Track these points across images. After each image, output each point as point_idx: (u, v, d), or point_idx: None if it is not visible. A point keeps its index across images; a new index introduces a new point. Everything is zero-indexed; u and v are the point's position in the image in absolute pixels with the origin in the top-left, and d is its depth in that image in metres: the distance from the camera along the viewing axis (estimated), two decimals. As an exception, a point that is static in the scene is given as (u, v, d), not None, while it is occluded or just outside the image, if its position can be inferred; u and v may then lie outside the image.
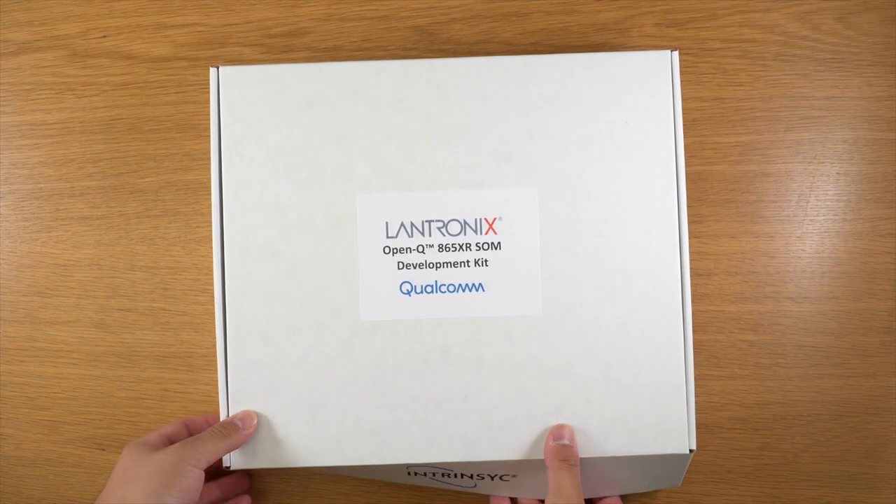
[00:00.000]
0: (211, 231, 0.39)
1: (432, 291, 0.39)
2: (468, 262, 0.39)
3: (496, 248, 0.39)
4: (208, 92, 0.42)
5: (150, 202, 0.47)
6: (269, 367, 0.39)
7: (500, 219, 0.39)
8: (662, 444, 0.38)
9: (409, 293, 0.39)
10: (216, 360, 0.41)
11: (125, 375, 0.46)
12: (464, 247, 0.39)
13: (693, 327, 0.41)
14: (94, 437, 0.46)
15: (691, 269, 0.42)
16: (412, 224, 0.39)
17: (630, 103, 0.39)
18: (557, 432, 0.38)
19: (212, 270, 0.39)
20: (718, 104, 0.46)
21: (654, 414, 0.38)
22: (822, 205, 0.46)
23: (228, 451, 0.38)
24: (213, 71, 0.40)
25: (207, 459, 0.37)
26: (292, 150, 0.39)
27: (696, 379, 0.45)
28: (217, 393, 0.41)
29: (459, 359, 0.39)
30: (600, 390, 0.39)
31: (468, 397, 0.39)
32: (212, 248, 0.39)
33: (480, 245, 0.39)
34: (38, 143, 0.47)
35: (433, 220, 0.39)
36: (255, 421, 0.38)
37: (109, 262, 0.46)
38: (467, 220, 0.39)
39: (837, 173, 0.46)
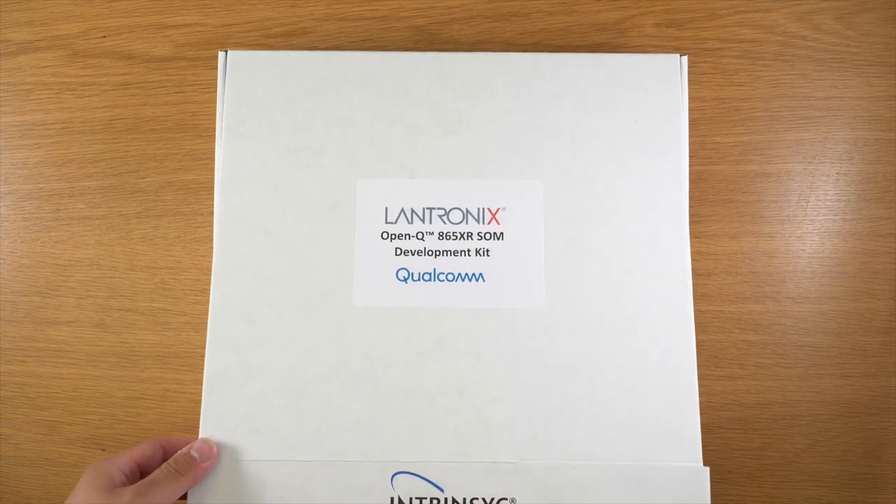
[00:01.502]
0: (212, 231, 0.39)
1: (430, 280, 0.38)
2: (469, 251, 0.38)
3: (498, 239, 0.38)
4: (208, 92, 0.43)
5: (150, 202, 0.47)
6: (251, 349, 0.37)
7: (504, 209, 0.38)
8: (673, 454, 0.36)
9: (405, 280, 0.38)
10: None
11: (125, 375, 0.46)
12: (465, 235, 0.38)
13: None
14: (94, 437, 0.46)
15: (691, 269, 0.42)
16: (412, 210, 0.39)
17: (638, 103, 0.39)
18: None
19: (212, 271, 0.39)
20: (718, 104, 0.46)
21: (664, 420, 0.36)
22: (822, 205, 0.45)
23: (187, 490, 0.35)
24: (221, 55, 0.40)
25: None
26: (294, 132, 0.39)
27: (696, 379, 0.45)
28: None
29: (455, 350, 0.37)
30: (606, 391, 0.37)
31: (463, 391, 0.37)
32: (213, 248, 0.39)
33: (482, 235, 0.38)
34: (38, 143, 0.47)
35: (434, 208, 0.39)
36: (215, 450, 0.36)
37: (109, 262, 0.46)
38: (469, 209, 0.39)
39: (837, 173, 0.46)
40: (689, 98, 0.45)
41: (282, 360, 0.37)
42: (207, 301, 0.46)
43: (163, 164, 0.47)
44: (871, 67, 0.45)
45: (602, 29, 0.46)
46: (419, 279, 0.38)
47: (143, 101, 0.47)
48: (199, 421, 0.46)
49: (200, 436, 0.37)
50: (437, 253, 0.38)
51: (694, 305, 0.44)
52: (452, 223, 0.38)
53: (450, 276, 0.38)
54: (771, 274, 0.45)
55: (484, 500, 0.36)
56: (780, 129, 0.46)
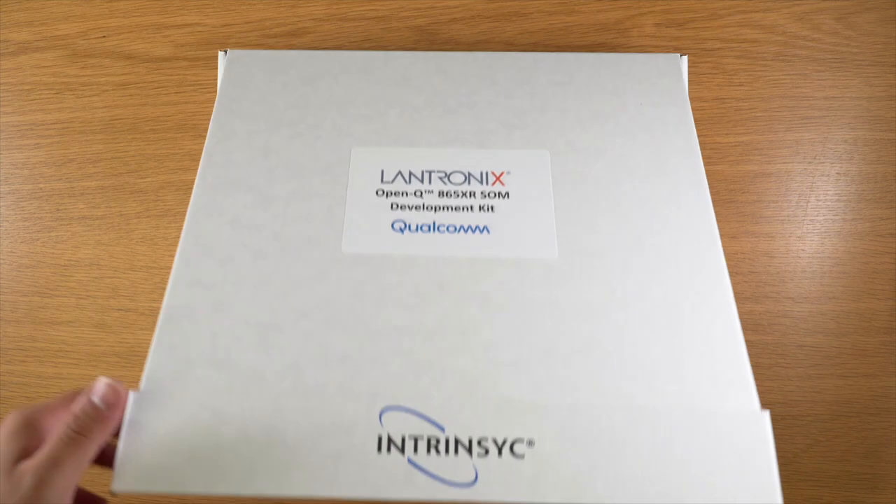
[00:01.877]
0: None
1: (430, 231, 0.34)
2: (472, 207, 0.35)
3: (504, 197, 0.35)
4: (208, 92, 0.43)
5: (150, 202, 0.47)
6: (221, 287, 0.32)
7: (509, 173, 0.36)
8: (723, 396, 0.30)
9: (401, 230, 0.34)
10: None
11: (125, 375, 0.46)
12: (467, 194, 0.35)
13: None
14: (94, 437, 0.46)
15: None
16: (410, 172, 0.36)
17: (642, 91, 0.39)
18: None
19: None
20: (718, 104, 0.46)
21: (706, 360, 0.31)
22: (822, 205, 0.45)
23: (100, 446, 0.28)
24: (221, 55, 0.40)
25: (70, 487, 0.26)
26: (290, 109, 0.38)
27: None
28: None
29: (459, 294, 0.32)
30: (637, 333, 0.31)
31: (467, 332, 0.31)
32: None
33: (486, 194, 0.35)
34: (38, 143, 0.47)
35: (434, 171, 0.36)
36: (123, 393, 0.28)
37: (109, 262, 0.46)
38: (472, 173, 0.36)
39: (837, 173, 0.46)
40: (689, 98, 0.45)
41: (256, 298, 0.32)
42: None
43: (163, 164, 0.47)
44: (871, 67, 0.45)
45: (602, 29, 0.46)
46: (417, 230, 0.34)
47: (143, 101, 0.47)
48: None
49: (147, 369, 0.30)
50: (438, 208, 0.35)
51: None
52: (454, 184, 0.36)
53: (451, 228, 0.34)
54: (771, 274, 0.45)
55: (495, 440, 0.28)
56: (780, 129, 0.46)
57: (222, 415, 0.28)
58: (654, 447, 0.28)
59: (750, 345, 0.45)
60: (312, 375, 0.30)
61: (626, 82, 0.39)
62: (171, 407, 0.29)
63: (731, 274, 0.45)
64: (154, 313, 0.46)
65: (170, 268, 0.46)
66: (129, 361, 0.46)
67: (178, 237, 0.46)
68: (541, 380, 0.30)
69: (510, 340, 0.31)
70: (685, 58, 0.41)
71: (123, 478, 0.27)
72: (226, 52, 0.40)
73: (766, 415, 0.29)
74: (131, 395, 0.29)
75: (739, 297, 0.45)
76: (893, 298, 0.45)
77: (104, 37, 0.47)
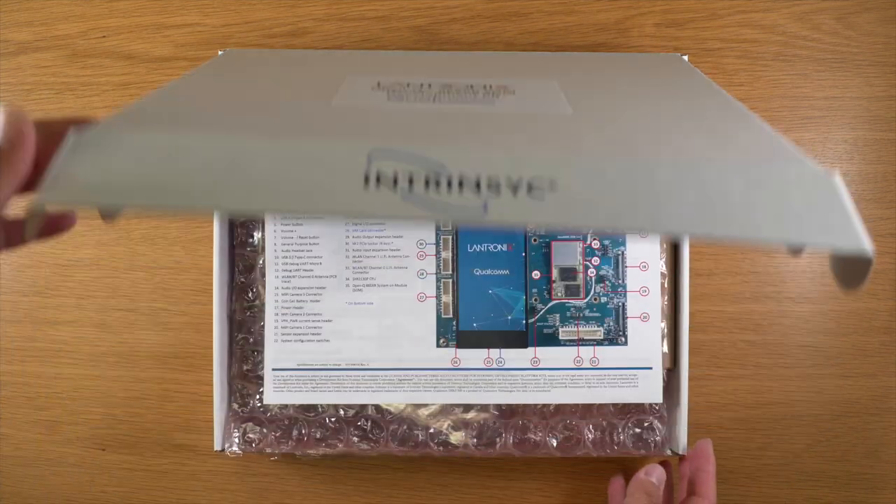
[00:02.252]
0: (212, 232, 0.39)
1: (431, 102, 0.31)
2: (475, 98, 0.32)
3: (510, 93, 0.32)
4: (208, 92, 0.42)
5: (150, 202, 0.47)
6: (194, 121, 0.28)
7: (514, 90, 0.33)
8: (779, 158, 0.25)
9: (398, 101, 0.31)
10: (215, 361, 0.41)
11: (125, 375, 0.46)
12: (470, 90, 0.33)
13: (693, 327, 0.41)
14: (94, 437, 0.46)
15: (691, 269, 0.42)
16: (409, 83, 0.33)
17: (646, 74, 0.39)
18: (650, 469, 0.37)
19: (212, 272, 0.39)
20: (718, 104, 0.46)
21: (753, 148, 0.27)
22: (822, 205, 0.46)
23: (8, 196, 0.23)
24: (220, 53, 0.41)
25: None
26: (286, 64, 0.39)
27: (696, 379, 0.45)
28: (213, 393, 0.41)
29: (466, 120, 0.29)
30: (670, 146, 0.27)
31: (472, 130, 0.28)
32: (212, 249, 0.39)
33: (490, 93, 0.33)
34: (38, 143, 0.47)
35: (433, 82, 0.33)
36: (26, 130, 0.23)
37: (109, 262, 0.46)
38: (473, 85, 0.33)
39: (837, 173, 0.46)
40: (689, 98, 0.45)
41: (231, 122, 0.28)
42: (207, 301, 0.45)
43: (163, 164, 0.47)
44: (871, 67, 0.45)
45: (602, 29, 0.46)
46: (416, 101, 0.31)
47: (143, 101, 0.47)
48: (200, 422, 0.46)
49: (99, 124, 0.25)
50: (438, 98, 0.32)
51: (694, 305, 0.44)
52: (455, 88, 0.33)
53: (453, 99, 0.31)
54: (771, 274, 0.45)
55: (509, 178, 0.23)
56: (780, 129, 0.46)
57: (179, 139, 0.24)
58: (707, 195, 0.23)
59: (750, 345, 0.45)
60: (287, 131, 0.26)
61: (629, 66, 0.40)
62: (120, 136, 0.24)
63: (732, 274, 0.45)
64: (155, 313, 0.46)
65: (170, 268, 0.47)
66: (130, 361, 0.46)
67: (178, 237, 0.46)
68: (564, 143, 0.26)
69: (523, 135, 0.27)
70: (685, 58, 0.41)
71: (52, 189, 0.22)
72: (225, 51, 0.41)
73: (836, 175, 0.24)
74: (72, 132, 0.23)
75: (739, 298, 0.45)
76: (893, 298, 0.45)
77: (104, 37, 0.47)
